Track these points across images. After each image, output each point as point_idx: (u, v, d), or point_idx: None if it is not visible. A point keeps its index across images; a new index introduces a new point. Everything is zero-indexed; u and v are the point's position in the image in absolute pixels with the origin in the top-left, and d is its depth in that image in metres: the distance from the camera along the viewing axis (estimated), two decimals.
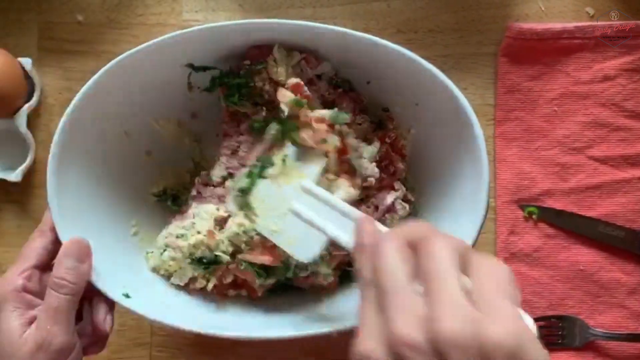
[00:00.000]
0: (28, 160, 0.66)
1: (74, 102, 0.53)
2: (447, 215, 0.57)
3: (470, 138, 0.53)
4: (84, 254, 0.51)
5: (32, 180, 0.68)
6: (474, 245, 0.52)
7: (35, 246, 0.53)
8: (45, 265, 0.53)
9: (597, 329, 0.64)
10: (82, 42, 0.68)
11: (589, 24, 0.65)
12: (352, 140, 0.57)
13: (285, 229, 0.54)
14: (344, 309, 0.58)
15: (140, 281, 0.58)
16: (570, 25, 0.65)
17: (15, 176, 0.66)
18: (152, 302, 0.56)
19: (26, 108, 0.66)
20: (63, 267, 0.50)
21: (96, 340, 0.54)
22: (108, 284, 0.53)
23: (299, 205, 0.53)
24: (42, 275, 0.52)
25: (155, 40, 0.53)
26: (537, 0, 0.66)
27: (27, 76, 0.66)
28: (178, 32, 0.53)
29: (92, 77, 0.53)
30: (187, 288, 0.60)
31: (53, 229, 0.53)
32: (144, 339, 0.67)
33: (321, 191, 0.52)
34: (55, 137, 0.53)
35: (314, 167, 0.54)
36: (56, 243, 0.53)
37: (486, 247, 0.66)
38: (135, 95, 0.58)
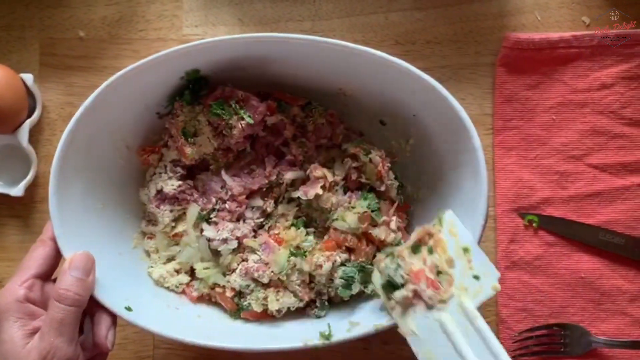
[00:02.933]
0: (30, 175, 0.66)
1: (75, 117, 0.54)
2: None
3: (469, 148, 0.53)
4: (89, 267, 0.52)
5: (34, 195, 0.68)
6: None
7: (36, 256, 0.53)
8: (46, 275, 0.53)
9: (599, 337, 0.64)
10: (84, 58, 0.68)
11: (586, 32, 0.65)
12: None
13: (425, 337, 0.51)
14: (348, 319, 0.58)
15: (142, 294, 0.58)
16: (567, 34, 0.65)
17: (17, 191, 0.66)
18: (154, 315, 0.56)
19: (28, 123, 0.66)
20: (69, 279, 0.50)
21: (97, 354, 0.54)
22: (110, 297, 0.53)
23: (448, 317, 0.51)
24: (43, 285, 0.52)
25: (155, 55, 0.54)
26: (534, 11, 0.67)
27: (29, 92, 0.66)
28: (178, 46, 0.54)
29: (93, 92, 0.54)
30: (189, 298, 0.61)
31: (53, 239, 0.53)
32: (146, 352, 0.67)
33: (480, 319, 0.50)
34: (57, 152, 0.54)
35: (483, 295, 0.52)
36: (57, 253, 0.53)
37: (487, 256, 0.65)
38: (137, 110, 0.58)
